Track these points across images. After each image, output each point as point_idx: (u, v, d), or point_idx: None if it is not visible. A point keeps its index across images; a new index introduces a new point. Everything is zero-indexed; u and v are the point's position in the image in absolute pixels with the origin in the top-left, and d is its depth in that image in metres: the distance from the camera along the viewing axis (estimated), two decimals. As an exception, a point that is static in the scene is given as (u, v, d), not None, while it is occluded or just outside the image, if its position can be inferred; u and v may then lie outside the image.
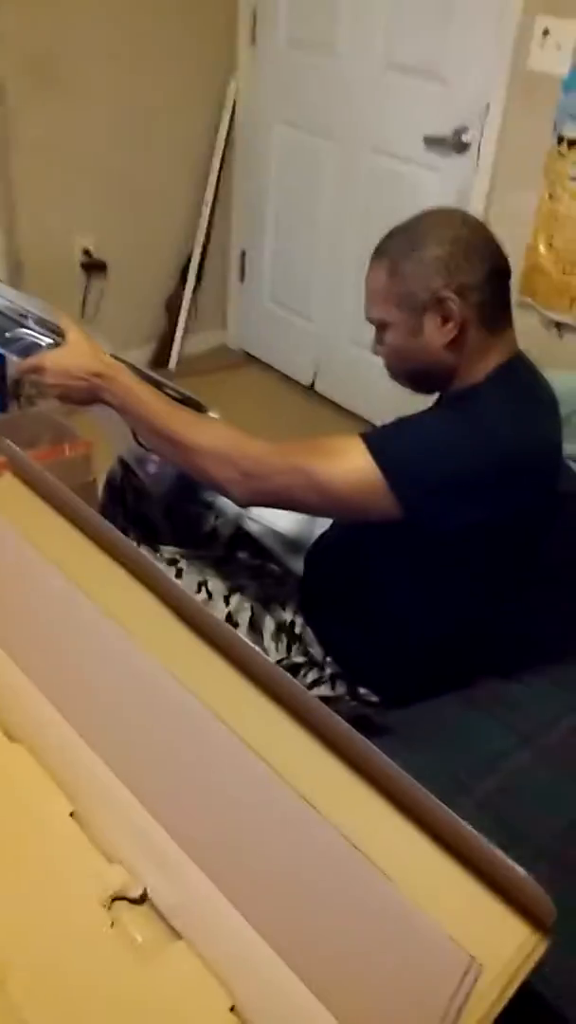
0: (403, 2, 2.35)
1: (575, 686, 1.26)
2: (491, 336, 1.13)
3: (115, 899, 0.80)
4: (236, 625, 1.30)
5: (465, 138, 2.32)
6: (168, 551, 1.39)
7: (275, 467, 1.11)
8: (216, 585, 1.34)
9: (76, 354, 1.19)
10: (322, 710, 0.82)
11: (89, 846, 0.84)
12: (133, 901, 0.81)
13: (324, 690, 1.29)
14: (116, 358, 1.23)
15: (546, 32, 2.04)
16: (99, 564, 1.05)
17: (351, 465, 1.07)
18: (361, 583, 1.28)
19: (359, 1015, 0.67)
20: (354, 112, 2.61)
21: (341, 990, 0.68)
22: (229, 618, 1.30)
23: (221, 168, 3.00)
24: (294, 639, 1.32)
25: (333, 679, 1.30)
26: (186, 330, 3.16)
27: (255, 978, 0.73)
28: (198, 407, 1.35)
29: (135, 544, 1.01)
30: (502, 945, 0.70)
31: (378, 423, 1.21)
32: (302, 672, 1.30)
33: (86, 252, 2.82)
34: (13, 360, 1.23)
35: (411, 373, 1.18)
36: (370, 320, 1.18)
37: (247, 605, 1.32)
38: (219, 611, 1.31)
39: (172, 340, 3.15)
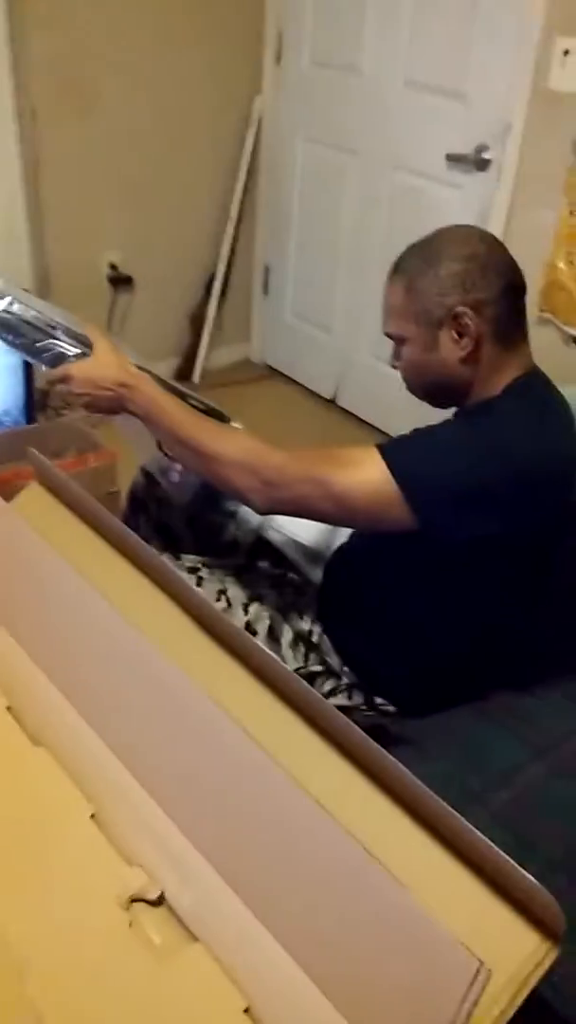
0: (425, 22, 2.38)
1: (590, 700, 1.26)
2: (506, 351, 1.15)
3: (133, 901, 0.82)
4: (255, 633, 1.32)
5: (486, 156, 2.34)
6: (189, 559, 1.41)
7: (294, 477, 1.13)
8: (236, 593, 1.35)
9: (103, 364, 1.22)
10: (339, 718, 0.83)
11: (109, 848, 0.86)
12: (151, 903, 0.82)
13: (341, 699, 1.31)
14: (141, 368, 1.26)
15: (566, 52, 2.06)
16: (122, 572, 1.07)
17: (367, 476, 1.09)
18: (379, 593, 1.30)
19: (370, 1018, 0.68)
20: (377, 130, 2.64)
21: (353, 993, 0.69)
22: (248, 626, 1.32)
23: (246, 184, 3.04)
24: (312, 648, 1.33)
25: (350, 689, 1.32)
26: (210, 344, 3.20)
27: (269, 981, 0.74)
28: (221, 417, 1.37)
29: (157, 553, 1.03)
30: (512, 953, 0.71)
31: (398, 436, 1.23)
32: (319, 681, 1.31)
33: (113, 267, 2.87)
34: (42, 369, 1.26)
35: (428, 387, 1.20)
36: (388, 335, 1.21)
37: (266, 614, 1.34)
38: (238, 619, 1.32)
39: (196, 353, 3.18)
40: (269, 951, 0.74)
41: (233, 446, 1.17)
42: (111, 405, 1.24)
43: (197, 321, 3.16)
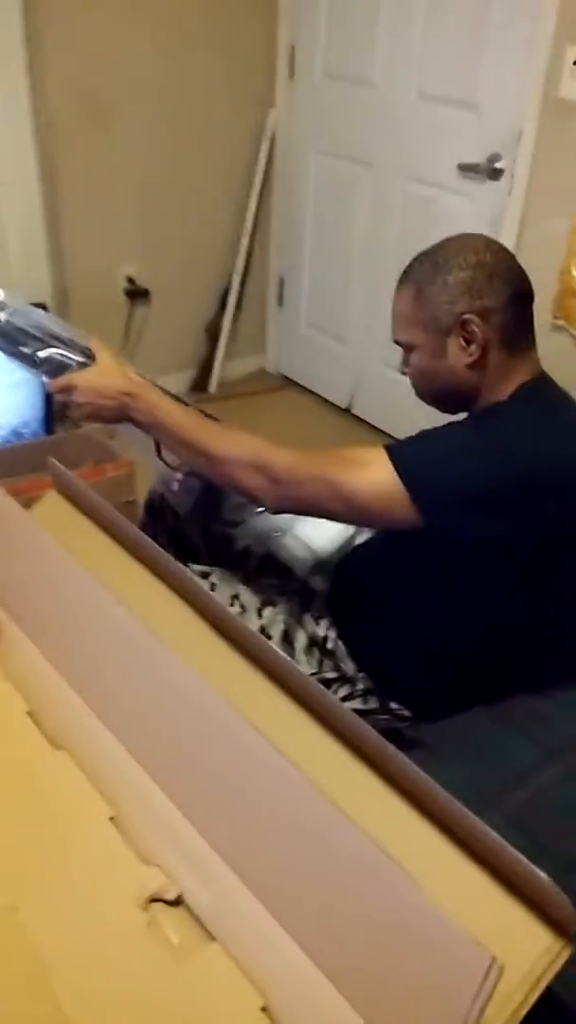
0: (436, 34, 2.40)
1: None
2: (514, 357, 1.16)
3: (152, 901, 0.83)
4: (269, 638, 1.33)
5: (498, 165, 2.35)
6: (199, 567, 1.43)
7: (302, 476, 1.15)
8: (248, 599, 1.37)
9: (105, 374, 1.24)
10: (354, 720, 0.84)
11: (127, 850, 0.87)
12: (169, 903, 0.83)
13: (356, 704, 1.32)
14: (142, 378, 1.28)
15: (577, 62, 2.08)
16: (139, 578, 1.09)
17: (374, 476, 1.10)
18: (391, 596, 1.31)
19: (385, 1015, 0.69)
20: (389, 141, 2.66)
21: (367, 990, 0.70)
22: (262, 631, 1.34)
23: (260, 197, 3.07)
24: (326, 654, 1.34)
25: (365, 694, 1.32)
26: (226, 355, 3.22)
27: (286, 979, 0.75)
28: None
29: (173, 559, 1.05)
30: (526, 951, 0.71)
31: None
32: (333, 687, 1.32)
33: (130, 280, 2.90)
34: (43, 381, 1.28)
35: (436, 393, 1.22)
36: (397, 343, 1.23)
37: (280, 618, 1.35)
38: (252, 624, 1.34)
39: (212, 364, 3.21)
40: (286, 950, 0.75)
41: (241, 447, 1.19)
42: (115, 414, 1.25)
43: (213, 333, 3.19)
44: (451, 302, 1.14)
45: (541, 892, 0.71)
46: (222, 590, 1.38)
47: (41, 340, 1.26)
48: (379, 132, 2.69)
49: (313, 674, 1.32)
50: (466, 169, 2.43)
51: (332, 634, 1.35)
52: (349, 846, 0.73)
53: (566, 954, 0.70)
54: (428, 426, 1.15)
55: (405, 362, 1.24)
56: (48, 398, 2.16)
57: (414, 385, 1.25)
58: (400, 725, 1.30)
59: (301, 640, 1.35)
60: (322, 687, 0.88)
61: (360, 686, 1.33)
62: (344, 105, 2.78)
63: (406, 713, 1.31)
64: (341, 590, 1.41)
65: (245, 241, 3.11)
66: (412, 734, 1.23)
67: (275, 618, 1.35)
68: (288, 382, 3.39)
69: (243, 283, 3.19)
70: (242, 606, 1.36)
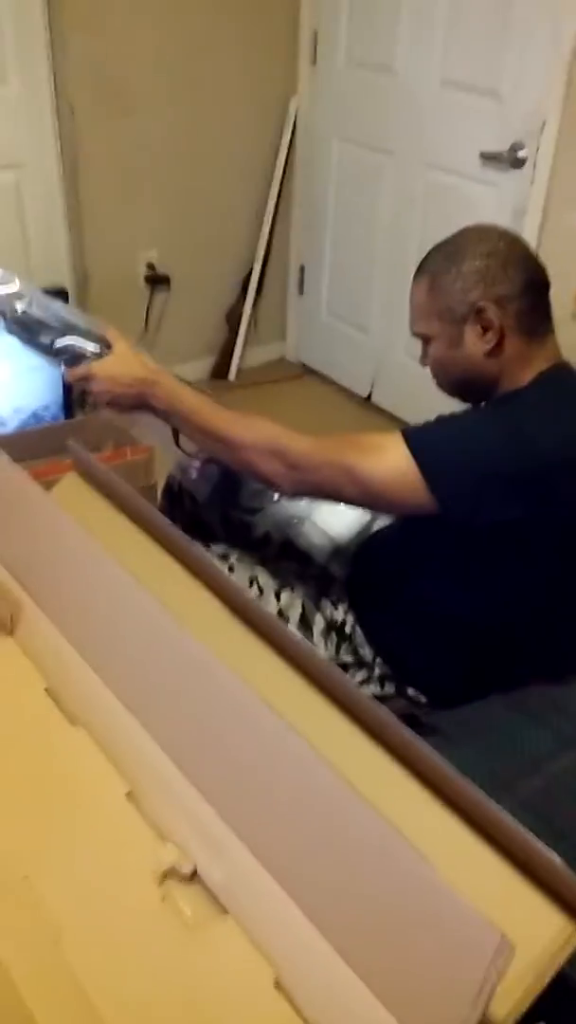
0: (460, 21, 2.38)
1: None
2: (531, 345, 1.16)
3: (167, 875, 0.84)
4: (287, 620, 1.34)
5: (521, 154, 2.33)
6: (219, 548, 1.44)
7: (319, 461, 1.15)
8: (267, 581, 1.38)
9: (123, 362, 1.25)
10: (369, 702, 0.85)
11: (143, 825, 0.88)
12: (184, 878, 0.84)
13: (373, 689, 1.32)
14: None
15: (603, 48, 2.06)
16: (158, 558, 1.10)
17: (390, 461, 1.10)
18: (409, 582, 1.31)
19: (396, 991, 0.70)
20: (412, 129, 2.65)
21: (379, 966, 0.71)
22: (280, 614, 1.34)
23: (282, 184, 3.06)
24: (344, 639, 1.35)
25: (382, 680, 1.33)
26: (246, 342, 3.22)
27: (298, 954, 0.76)
28: None
29: (192, 540, 1.06)
30: (539, 933, 0.72)
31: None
32: (350, 672, 1.33)
33: (150, 266, 2.90)
34: (61, 370, 1.29)
35: (456, 383, 1.22)
36: (415, 334, 1.23)
37: (298, 602, 1.36)
38: (270, 606, 1.35)
39: (232, 352, 3.21)
40: (298, 925, 0.76)
41: (258, 433, 1.20)
42: (133, 402, 1.26)
43: (233, 320, 3.19)
44: (466, 291, 1.14)
45: (555, 875, 0.72)
46: (240, 572, 1.39)
47: (58, 330, 1.27)
48: (401, 120, 2.67)
49: (330, 658, 1.33)
50: (489, 158, 2.41)
51: (350, 619, 1.35)
52: (362, 824, 0.73)
53: (578, 936, 0.71)
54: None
55: (424, 354, 1.25)
56: (68, 383, 2.17)
57: (434, 376, 1.26)
58: (416, 711, 1.30)
59: (319, 624, 1.35)
60: (338, 669, 0.88)
61: (377, 671, 1.33)
62: (366, 92, 2.76)
63: (423, 699, 1.32)
64: (359, 576, 1.41)
65: (266, 228, 3.10)
66: (428, 720, 1.23)
67: (293, 601, 1.36)
68: (308, 371, 3.39)
69: (264, 270, 3.19)
70: (260, 589, 1.37)
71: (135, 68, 2.60)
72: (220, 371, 3.22)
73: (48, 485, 1.23)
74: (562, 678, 1.25)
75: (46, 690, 1.03)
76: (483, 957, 0.63)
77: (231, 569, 1.39)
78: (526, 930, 0.70)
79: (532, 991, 0.70)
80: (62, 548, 1.09)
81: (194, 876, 0.84)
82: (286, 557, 1.47)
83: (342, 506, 1.36)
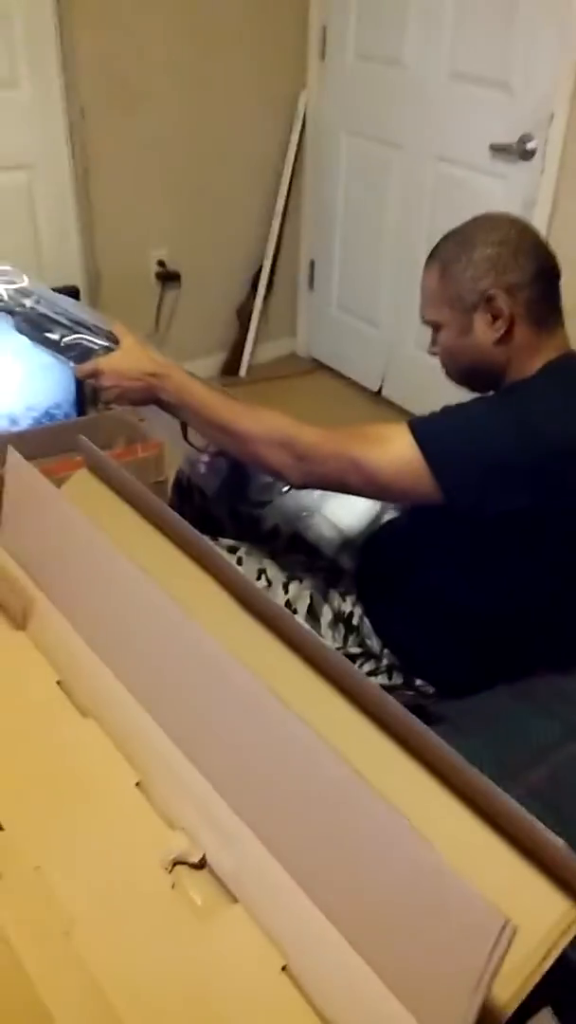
0: (468, 13, 2.38)
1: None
2: (540, 334, 1.16)
3: (176, 863, 0.85)
4: (295, 612, 1.35)
5: (530, 146, 2.32)
6: (227, 540, 1.45)
7: (326, 453, 1.16)
8: (275, 573, 1.39)
9: (131, 357, 1.26)
10: (376, 691, 0.86)
11: (153, 814, 0.90)
12: (193, 866, 0.86)
13: (381, 680, 1.33)
14: None
15: (612, 38, 2.05)
16: (167, 552, 1.11)
17: (396, 452, 1.11)
18: (417, 573, 1.31)
19: (401, 975, 0.71)
20: (421, 122, 2.64)
21: (384, 950, 0.72)
22: (288, 605, 1.35)
23: (291, 179, 3.07)
24: (351, 630, 1.36)
25: (390, 670, 1.34)
26: (256, 338, 3.23)
27: (306, 939, 0.77)
28: None
29: (201, 534, 1.07)
30: (542, 916, 0.73)
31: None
32: (358, 663, 1.33)
33: (160, 263, 2.92)
34: (69, 366, 1.30)
35: (464, 371, 1.22)
36: (425, 322, 1.24)
37: (306, 593, 1.37)
38: (278, 598, 1.35)
39: (243, 348, 3.22)
40: (305, 911, 0.77)
41: (266, 425, 1.20)
42: (142, 396, 1.27)
43: (244, 316, 3.20)
44: (476, 279, 1.14)
45: (559, 860, 0.72)
46: (249, 564, 1.40)
47: (66, 326, 1.28)
48: (410, 113, 2.67)
49: (338, 649, 1.34)
50: (498, 150, 2.41)
51: (358, 610, 1.36)
52: (367, 810, 0.74)
53: (582, 920, 0.71)
54: (459, 409, 1.16)
55: (433, 341, 1.25)
56: (79, 380, 2.18)
57: (443, 364, 1.26)
58: (424, 701, 1.31)
59: (327, 615, 1.36)
60: (345, 659, 0.89)
61: (385, 662, 1.34)
62: (376, 86, 2.76)
63: (430, 690, 1.32)
64: (367, 567, 1.42)
65: (276, 223, 3.11)
66: (436, 710, 1.24)
67: (301, 593, 1.37)
68: (319, 365, 3.39)
69: (274, 266, 3.19)
70: (268, 581, 1.38)
71: (144, 67, 2.61)
72: (231, 367, 3.23)
73: (59, 482, 1.24)
74: (569, 668, 1.25)
75: (58, 683, 1.05)
76: (487, 940, 0.64)
77: (239, 562, 1.40)
78: (531, 914, 0.71)
79: (535, 974, 0.71)
80: (72, 543, 1.10)
81: (203, 864, 0.86)
82: (295, 550, 1.47)
83: (352, 499, 1.37)
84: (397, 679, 1.33)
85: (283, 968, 0.78)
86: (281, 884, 0.80)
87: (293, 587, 1.37)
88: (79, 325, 1.28)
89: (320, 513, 1.52)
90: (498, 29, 2.30)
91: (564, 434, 1.09)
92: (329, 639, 1.34)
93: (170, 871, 0.85)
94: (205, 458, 1.43)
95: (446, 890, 0.67)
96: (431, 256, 1.21)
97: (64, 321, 1.27)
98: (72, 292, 2.15)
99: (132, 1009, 0.75)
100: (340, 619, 1.36)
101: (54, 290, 1.32)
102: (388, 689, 1.30)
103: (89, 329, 1.28)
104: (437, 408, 1.17)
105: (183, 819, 0.89)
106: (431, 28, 2.50)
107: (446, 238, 1.21)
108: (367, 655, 1.35)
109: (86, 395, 2.20)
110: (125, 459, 1.91)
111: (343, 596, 1.37)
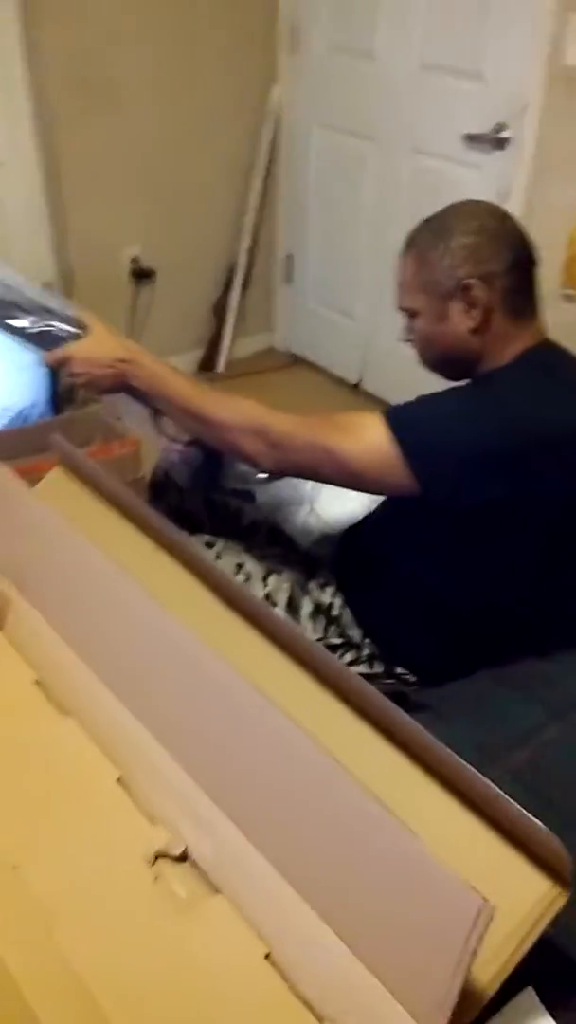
0: (439, 3, 2.38)
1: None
2: (516, 323, 1.16)
3: (158, 857, 0.85)
4: (274, 605, 1.34)
5: (504, 135, 2.33)
6: (205, 536, 1.44)
7: (300, 441, 1.16)
8: (253, 567, 1.38)
9: (100, 343, 1.25)
10: (354, 679, 0.86)
11: (134, 809, 0.89)
12: (175, 859, 0.85)
13: (361, 669, 1.33)
14: None
15: (581, 28, 2.05)
16: (144, 548, 1.11)
17: (370, 441, 1.11)
18: (396, 561, 1.31)
19: (382, 957, 0.71)
20: (394, 113, 2.64)
21: (365, 935, 0.72)
22: (268, 598, 1.35)
23: (265, 174, 3.06)
24: (332, 620, 1.35)
25: (371, 659, 1.34)
26: (234, 333, 3.22)
27: (288, 927, 0.77)
28: None
29: (178, 529, 1.06)
30: (523, 897, 0.73)
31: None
32: (339, 653, 1.34)
33: (134, 260, 2.90)
34: (40, 354, 1.28)
35: (439, 359, 1.22)
36: (401, 309, 1.23)
37: (285, 586, 1.36)
38: (257, 591, 1.35)
39: (220, 343, 3.21)
40: (287, 900, 0.77)
41: (240, 412, 1.20)
42: (112, 383, 1.26)
43: (220, 312, 3.19)
44: (454, 267, 1.14)
45: (539, 841, 0.73)
46: (227, 559, 1.39)
47: (32, 312, 1.26)
48: (383, 105, 2.67)
49: (318, 640, 1.34)
50: (472, 140, 2.41)
51: (338, 601, 1.36)
52: (345, 797, 0.74)
53: (562, 900, 0.72)
54: (438, 401, 1.16)
55: (408, 329, 1.25)
56: (54, 379, 2.17)
57: (418, 351, 1.26)
58: (405, 689, 1.31)
59: (306, 607, 1.36)
60: (324, 649, 0.89)
61: (366, 652, 1.34)
62: (347, 79, 2.76)
63: (411, 678, 1.33)
64: (347, 556, 1.42)
65: (251, 218, 3.10)
66: (417, 698, 1.24)
67: (280, 585, 1.37)
68: (297, 359, 3.39)
69: (250, 261, 3.19)
70: (247, 574, 1.38)
71: (113, 62, 2.59)
72: (209, 363, 3.22)
73: (35, 482, 1.23)
74: (549, 654, 1.26)
75: (36, 682, 1.04)
76: (465, 922, 0.64)
77: (217, 557, 1.39)
78: (512, 896, 0.71)
79: (516, 955, 0.71)
80: (47, 541, 1.09)
81: (185, 857, 0.85)
82: (273, 543, 1.47)
83: (346, 494, 1.37)
84: (378, 668, 1.33)
85: (266, 956, 0.77)
86: (262, 873, 0.80)
87: (272, 580, 1.37)
88: (47, 312, 1.27)
89: (311, 506, 1.52)
90: (470, 19, 2.31)
91: (540, 423, 1.09)
92: (309, 630, 1.34)
93: (152, 864, 0.85)
94: (178, 447, 1.43)
95: (424, 874, 0.67)
96: (408, 243, 1.21)
97: (30, 308, 1.26)
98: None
99: (118, 1005, 0.75)
100: (320, 610, 1.36)
101: None
102: (369, 678, 1.30)
103: (56, 315, 1.27)
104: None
105: (164, 813, 0.88)
106: (402, 19, 2.49)
107: (423, 225, 1.20)
108: (348, 645, 1.35)
109: (62, 395, 2.19)
110: (101, 457, 1.91)
111: (322, 587, 1.37)
